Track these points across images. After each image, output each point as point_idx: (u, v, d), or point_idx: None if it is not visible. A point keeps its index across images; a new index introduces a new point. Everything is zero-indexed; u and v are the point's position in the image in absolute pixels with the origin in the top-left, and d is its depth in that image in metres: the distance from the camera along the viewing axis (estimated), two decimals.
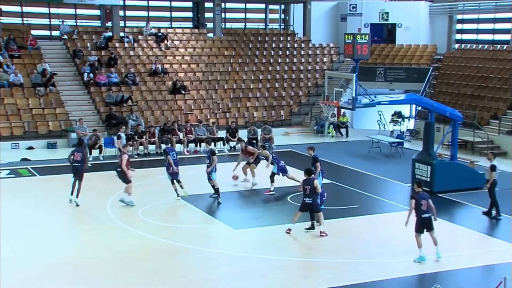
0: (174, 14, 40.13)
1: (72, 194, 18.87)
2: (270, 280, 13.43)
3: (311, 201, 16.06)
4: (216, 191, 19.29)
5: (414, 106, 30.84)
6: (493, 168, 17.86)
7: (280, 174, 20.61)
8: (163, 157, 21.02)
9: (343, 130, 32.53)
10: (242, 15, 42.02)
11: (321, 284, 13.20)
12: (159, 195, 19.98)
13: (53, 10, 36.35)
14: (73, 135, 27.42)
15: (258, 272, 13.94)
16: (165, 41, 36.15)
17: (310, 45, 39.58)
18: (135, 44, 35.53)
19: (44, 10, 36.22)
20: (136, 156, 26.26)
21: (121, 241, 15.84)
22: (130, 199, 18.70)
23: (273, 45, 38.75)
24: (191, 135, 28.02)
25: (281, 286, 13.18)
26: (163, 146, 25.80)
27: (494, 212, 17.97)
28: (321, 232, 16.09)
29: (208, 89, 34.01)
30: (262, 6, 42.15)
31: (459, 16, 39.35)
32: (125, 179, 18.83)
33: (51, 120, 29.14)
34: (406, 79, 35.44)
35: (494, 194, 17.90)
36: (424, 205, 14.19)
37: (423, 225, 14.29)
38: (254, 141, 28.79)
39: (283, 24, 42.62)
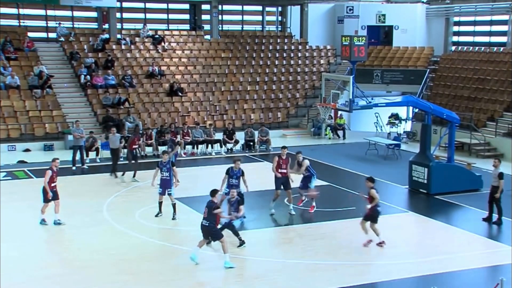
0: (171, 16, 40.15)
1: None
2: (266, 282, 13.41)
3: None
4: (174, 207, 17.79)
5: (411, 108, 31.14)
6: (501, 176, 17.68)
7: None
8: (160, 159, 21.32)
9: (340, 132, 32.54)
10: (239, 17, 42.03)
11: (317, 286, 13.19)
12: (156, 198, 19.92)
13: (50, 12, 36.35)
14: (70, 137, 27.38)
15: (254, 274, 13.93)
16: (162, 43, 36.14)
17: (307, 47, 39.60)
18: (132, 46, 35.51)
19: (41, 12, 36.19)
20: None
21: (117, 243, 15.80)
22: (42, 217, 17.12)
23: (270, 47, 38.76)
24: (188, 137, 28.01)
25: None
26: (160, 148, 25.98)
27: (496, 216, 17.84)
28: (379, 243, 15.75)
29: (205, 91, 34.00)
30: (259, 8, 42.16)
31: (456, 18, 39.43)
32: (44, 196, 17.09)
33: (48, 122, 29.10)
34: (403, 81, 35.47)
35: (500, 200, 17.79)
36: (205, 213, 14.01)
37: (202, 231, 14.18)
38: (251, 143, 28.86)
39: (280, 26, 42.66)
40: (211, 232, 14.11)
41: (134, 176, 22.60)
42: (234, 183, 17.16)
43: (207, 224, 14.05)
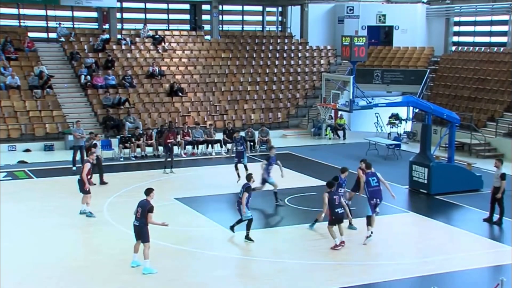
0: (172, 16, 40.16)
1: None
2: (265, 282, 13.39)
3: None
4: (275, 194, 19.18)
5: (411, 108, 31.13)
6: (503, 176, 17.53)
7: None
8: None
9: (340, 132, 32.53)
10: (239, 17, 42.04)
11: (317, 286, 13.18)
12: (156, 198, 19.87)
13: (50, 12, 36.35)
14: (70, 138, 27.37)
15: (253, 274, 13.93)
16: (162, 43, 36.14)
17: (308, 47, 39.60)
18: (132, 46, 35.51)
19: (41, 12, 36.19)
20: (134, 159, 26.30)
21: (117, 243, 15.78)
22: (88, 209, 17.81)
23: (271, 47, 38.76)
24: (188, 137, 28.01)
25: None
26: (160, 148, 26.00)
27: (496, 216, 17.80)
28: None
29: (206, 91, 34.00)
30: (259, 8, 42.17)
31: (456, 19, 39.42)
32: (82, 188, 17.82)
33: (48, 123, 29.10)
34: (403, 81, 35.46)
35: (503, 201, 17.67)
36: (138, 212, 13.65)
37: (134, 231, 13.84)
38: (252, 144, 28.85)
39: (280, 26, 42.66)
40: (140, 232, 13.68)
41: (171, 168, 23.46)
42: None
43: (137, 224, 13.70)
